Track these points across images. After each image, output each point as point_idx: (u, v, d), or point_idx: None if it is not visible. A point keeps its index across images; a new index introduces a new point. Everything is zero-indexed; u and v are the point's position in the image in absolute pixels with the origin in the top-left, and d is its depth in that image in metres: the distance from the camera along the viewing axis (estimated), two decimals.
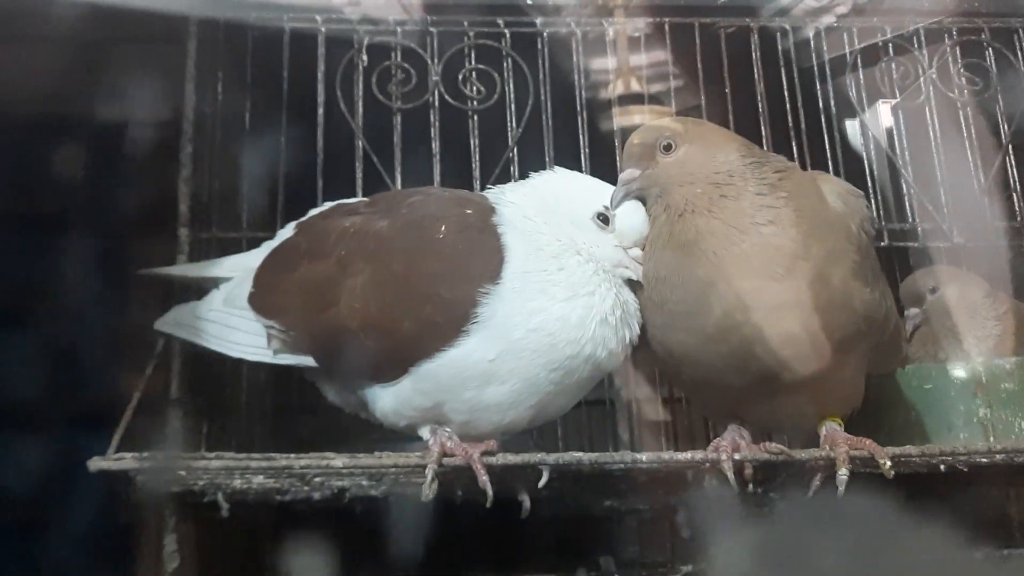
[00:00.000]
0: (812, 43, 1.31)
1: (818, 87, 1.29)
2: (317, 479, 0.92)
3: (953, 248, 1.26)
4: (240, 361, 1.02)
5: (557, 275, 0.88)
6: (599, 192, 0.94)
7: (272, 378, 1.22)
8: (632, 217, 0.93)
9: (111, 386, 1.09)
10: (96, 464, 0.86)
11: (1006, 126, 1.30)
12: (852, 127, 1.32)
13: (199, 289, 1.06)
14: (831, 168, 1.25)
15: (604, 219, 0.92)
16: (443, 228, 0.90)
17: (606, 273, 0.91)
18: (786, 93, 1.28)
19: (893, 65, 1.32)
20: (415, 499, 0.88)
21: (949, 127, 1.30)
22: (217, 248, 1.15)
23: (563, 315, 0.87)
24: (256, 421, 1.24)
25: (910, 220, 1.28)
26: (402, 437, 0.97)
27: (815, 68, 1.30)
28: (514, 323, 0.86)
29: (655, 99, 1.34)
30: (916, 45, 1.33)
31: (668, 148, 0.93)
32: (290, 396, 1.22)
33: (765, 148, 1.20)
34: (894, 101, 1.33)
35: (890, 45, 1.33)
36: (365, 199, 1.03)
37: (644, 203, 0.94)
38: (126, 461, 0.87)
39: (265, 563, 1.12)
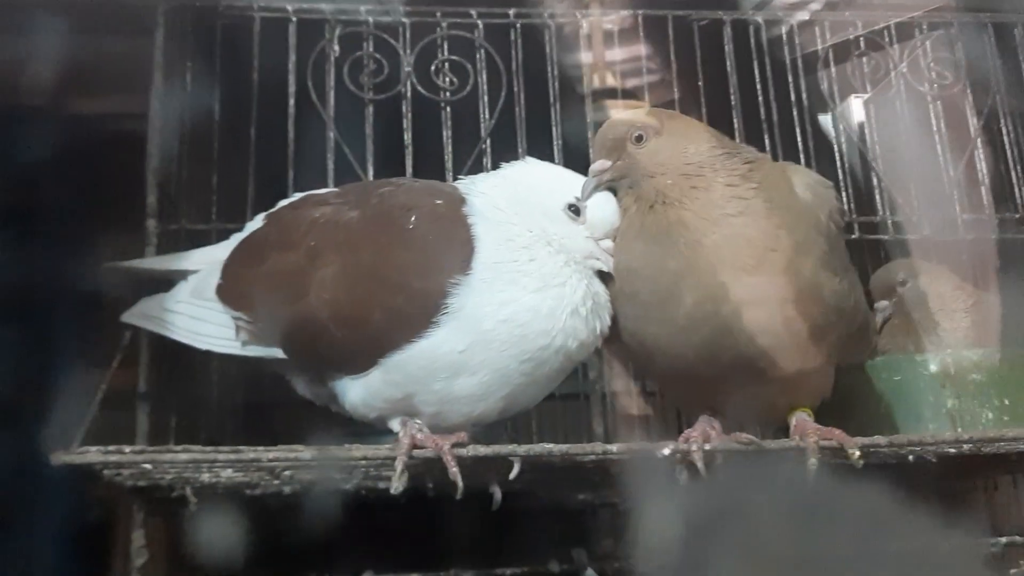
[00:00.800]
0: (785, 37, 1.32)
1: (790, 81, 1.29)
2: (286, 472, 0.92)
3: (923, 241, 1.27)
4: (209, 354, 1.01)
5: (528, 266, 0.88)
6: (570, 183, 0.94)
7: (242, 372, 1.21)
8: (603, 208, 0.93)
9: (78, 380, 1.07)
10: (59, 458, 0.85)
11: (975, 120, 1.31)
12: (824, 121, 1.33)
13: (167, 282, 1.05)
14: (803, 162, 1.25)
15: (575, 210, 0.92)
16: (413, 219, 0.89)
17: (577, 264, 0.91)
18: (758, 87, 1.28)
19: (864, 60, 1.33)
20: (385, 492, 0.88)
21: (919, 121, 1.31)
22: (186, 240, 1.13)
23: (534, 306, 0.87)
24: (226, 415, 1.23)
25: (880, 213, 1.28)
26: (374, 431, 0.96)
27: (787, 62, 1.31)
28: (484, 314, 0.86)
29: (628, 92, 1.34)
30: (887, 40, 1.34)
31: (639, 139, 0.93)
32: (261, 390, 1.20)
33: (738, 142, 1.20)
34: (865, 95, 1.34)
35: (861, 40, 1.34)
36: (336, 190, 1.02)
37: (615, 194, 0.94)
38: (90, 455, 0.86)
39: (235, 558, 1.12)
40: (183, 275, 1.03)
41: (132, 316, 1.03)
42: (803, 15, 1.34)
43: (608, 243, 0.93)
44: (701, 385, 0.93)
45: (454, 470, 0.85)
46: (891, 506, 0.91)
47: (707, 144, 0.92)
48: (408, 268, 0.88)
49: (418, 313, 0.86)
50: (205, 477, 0.92)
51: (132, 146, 1.13)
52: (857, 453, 0.89)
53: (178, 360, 1.09)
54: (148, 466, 0.88)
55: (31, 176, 1.20)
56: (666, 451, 0.90)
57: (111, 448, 0.87)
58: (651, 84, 1.29)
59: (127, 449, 0.88)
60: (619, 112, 1.20)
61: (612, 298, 0.93)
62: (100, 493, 1.05)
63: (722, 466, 0.89)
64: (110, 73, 1.20)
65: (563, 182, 0.94)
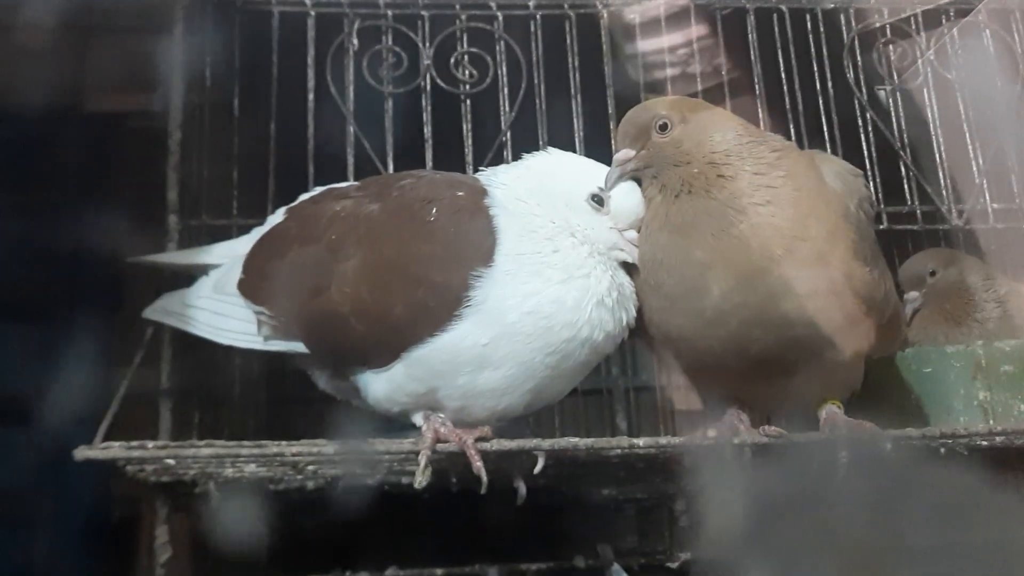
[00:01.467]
0: (809, 25, 1.30)
1: (816, 70, 1.28)
2: (310, 467, 0.91)
3: (952, 230, 1.25)
4: (233, 349, 1.01)
5: (551, 257, 0.87)
6: (594, 173, 0.93)
7: (266, 367, 1.21)
8: (627, 198, 0.92)
9: (101, 375, 1.07)
10: (82, 453, 0.85)
11: (1004, 107, 1.29)
12: (850, 110, 1.31)
13: (189, 277, 1.05)
14: (829, 151, 1.24)
15: (599, 200, 0.91)
16: (434, 211, 0.88)
17: (601, 255, 0.90)
18: (783, 75, 1.26)
19: (891, 47, 1.31)
20: (408, 487, 0.87)
21: (947, 109, 1.29)
22: (207, 235, 1.13)
23: (558, 297, 0.86)
24: (250, 411, 1.23)
25: (909, 203, 1.26)
26: (396, 426, 0.95)
27: (813, 51, 1.29)
28: (508, 306, 0.85)
29: (651, 82, 1.33)
30: (914, 27, 1.31)
31: (664, 128, 0.91)
32: (285, 385, 1.20)
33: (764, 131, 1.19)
34: (892, 84, 1.32)
35: (888, 27, 1.32)
36: (356, 183, 1.01)
37: (640, 184, 0.93)
38: (113, 450, 0.86)
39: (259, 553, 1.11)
40: (204, 270, 1.03)
41: (154, 312, 1.03)
42: (828, 3, 1.32)
43: (633, 234, 0.91)
44: (728, 378, 0.91)
45: (478, 464, 0.84)
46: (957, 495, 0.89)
47: (733, 132, 0.90)
48: (430, 261, 0.87)
49: (440, 306, 0.85)
50: (228, 472, 0.91)
51: (153, 142, 1.14)
52: (889, 446, 0.87)
53: (201, 355, 1.09)
54: (171, 461, 0.88)
55: (52, 172, 1.21)
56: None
57: (134, 443, 0.87)
58: (674, 74, 1.27)
59: (150, 444, 0.87)
60: (642, 102, 1.18)
61: (637, 290, 0.91)
62: (124, 489, 1.05)
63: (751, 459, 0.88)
64: (130, 69, 1.20)
65: (586, 172, 0.93)
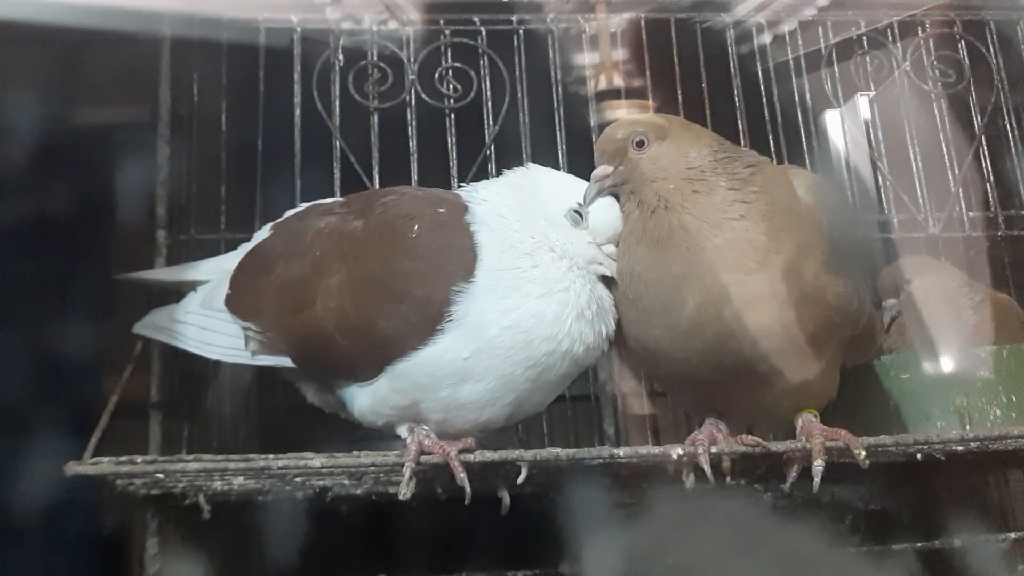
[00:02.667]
0: (787, 38, 1.32)
1: (794, 81, 1.29)
2: (298, 479, 0.93)
3: (929, 238, 1.27)
4: (221, 363, 1.02)
5: (531, 272, 0.88)
6: (573, 188, 0.94)
7: (256, 379, 1.22)
8: (606, 213, 0.93)
9: (91, 390, 1.08)
10: (72, 468, 0.86)
11: (979, 117, 1.31)
12: (828, 121, 1.32)
13: (177, 292, 1.06)
14: (807, 162, 1.26)
15: (578, 215, 0.93)
16: (416, 227, 0.90)
17: (580, 270, 0.91)
18: (762, 87, 1.28)
19: (867, 59, 1.33)
20: (395, 497, 0.89)
21: (923, 119, 1.31)
22: (195, 250, 1.15)
23: (538, 312, 0.87)
24: (240, 423, 1.24)
25: (886, 211, 1.28)
26: (384, 437, 0.97)
27: (791, 62, 1.31)
28: (488, 321, 0.86)
29: (633, 95, 1.34)
30: (890, 39, 1.33)
31: (640, 144, 0.93)
32: (275, 397, 1.22)
33: (742, 143, 1.21)
34: (869, 94, 1.33)
35: (864, 39, 1.33)
36: (341, 199, 1.03)
37: (618, 199, 0.95)
38: (103, 465, 0.87)
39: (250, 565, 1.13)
40: (192, 286, 1.04)
41: (143, 327, 1.05)
42: (805, 15, 1.34)
43: (611, 248, 0.93)
44: (706, 388, 0.93)
45: (461, 476, 0.86)
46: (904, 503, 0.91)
47: (708, 148, 0.92)
48: (411, 277, 0.88)
49: (422, 321, 0.86)
50: (217, 485, 0.93)
51: (141, 157, 1.15)
52: (863, 453, 0.89)
53: (190, 369, 1.11)
54: (160, 476, 0.89)
55: (41, 187, 1.21)
56: (678, 454, 0.90)
57: (123, 459, 0.88)
58: (654, 88, 1.29)
59: (139, 459, 0.89)
60: (621, 117, 1.20)
61: (616, 303, 0.93)
62: (114, 501, 1.06)
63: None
64: (117, 84, 1.21)
65: (565, 188, 0.95)
